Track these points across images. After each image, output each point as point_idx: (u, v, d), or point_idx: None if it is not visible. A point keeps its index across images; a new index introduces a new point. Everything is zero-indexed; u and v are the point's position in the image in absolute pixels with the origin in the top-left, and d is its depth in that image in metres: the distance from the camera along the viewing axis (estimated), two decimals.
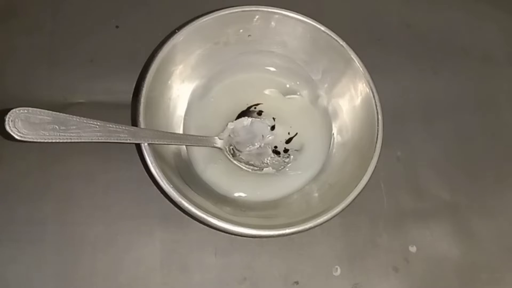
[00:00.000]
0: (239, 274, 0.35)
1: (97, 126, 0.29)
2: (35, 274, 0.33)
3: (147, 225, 0.35)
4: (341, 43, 0.36)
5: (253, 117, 0.38)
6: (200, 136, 0.37)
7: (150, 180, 0.35)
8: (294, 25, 0.37)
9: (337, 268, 0.35)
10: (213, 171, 0.36)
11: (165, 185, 0.30)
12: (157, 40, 0.38)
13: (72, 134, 0.28)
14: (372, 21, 0.45)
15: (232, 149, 0.37)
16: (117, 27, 0.40)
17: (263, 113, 0.39)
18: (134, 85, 0.38)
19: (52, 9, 0.40)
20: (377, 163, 0.33)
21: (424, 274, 0.36)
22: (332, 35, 0.36)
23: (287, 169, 0.37)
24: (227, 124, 0.38)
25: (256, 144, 0.38)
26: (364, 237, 0.37)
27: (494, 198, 0.39)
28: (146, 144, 0.31)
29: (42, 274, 0.33)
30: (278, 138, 0.38)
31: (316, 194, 0.36)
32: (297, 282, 0.35)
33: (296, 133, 0.39)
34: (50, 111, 0.27)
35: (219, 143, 0.37)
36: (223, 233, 0.33)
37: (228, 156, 0.37)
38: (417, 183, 0.39)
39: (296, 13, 0.37)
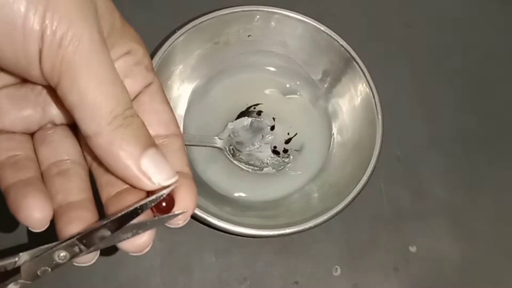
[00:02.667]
0: (239, 274, 0.35)
1: None
2: None
3: None
4: (341, 43, 0.36)
5: (253, 117, 0.38)
6: (200, 136, 0.37)
7: None
8: (294, 25, 0.37)
9: (337, 268, 0.35)
10: (213, 171, 0.36)
11: None
12: (157, 40, 0.38)
13: None
14: (372, 21, 0.45)
15: (232, 149, 0.37)
16: None
17: (262, 113, 0.39)
18: None
19: None
20: (377, 163, 0.33)
21: (424, 274, 0.36)
22: (332, 35, 0.36)
23: (287, 169, 0.37)
24: (227, 124, 0.38)
25: (256, 144, 0.38)
26: (364, 237, 0.37)
27: (494, 198, 0.39)
28: None
29: None
30: (278, 138, 0.38)
31: (316, 194, 0.36)
32: (297, 282, 0.35)
33: (296, 133, 0.39)
34: None
35: (219, 143, 0.37)
36: (223, 233, 0.33)
37: (228, 156, 0.37)
38: (417, 183, 0.39)
39: (296, 13, 0.37)
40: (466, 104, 0.43)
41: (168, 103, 0.22)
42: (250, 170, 0.37)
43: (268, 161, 0.38)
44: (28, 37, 0.17)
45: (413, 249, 0.37)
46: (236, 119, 0.38)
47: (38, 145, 0.21)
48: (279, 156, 0.38)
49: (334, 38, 0.36)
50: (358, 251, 0.36)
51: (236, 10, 0.36)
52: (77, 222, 0.19)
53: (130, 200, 0.19)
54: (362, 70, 0.36)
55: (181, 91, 0.37)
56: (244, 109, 0.39)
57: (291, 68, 0.40)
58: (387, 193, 0.38)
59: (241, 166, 0.37)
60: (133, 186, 0.19)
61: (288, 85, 0.40)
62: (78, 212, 0.19)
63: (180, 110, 0.38)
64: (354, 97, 0.37)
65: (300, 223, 0.31)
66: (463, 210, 0.38)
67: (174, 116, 0.22)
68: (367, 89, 0.35)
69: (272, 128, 0.39)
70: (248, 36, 0.38)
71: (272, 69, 0.40)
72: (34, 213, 0.18)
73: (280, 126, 0.39)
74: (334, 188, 0.35)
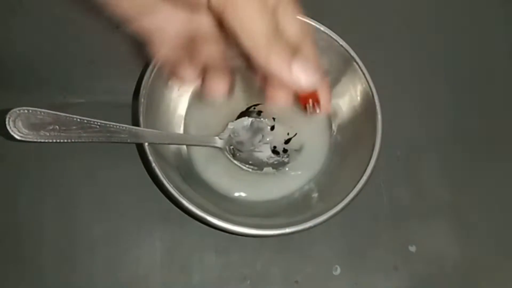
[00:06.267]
0: (239, 273, 0.35)
1: (98, 126, 0.29)
2: (35, 274, 0.33)
3: (147, 224, 0.35)
4: (341, 43, 0.36)
5: (253, 117, 0.39)
6: (201, 136, 0.37)
7: (151, 180, 0.35)
8: None
9: (337, 268, 0.35)
10: (214, 171, 0.36)
11: (166, 184, 0.31)
12: None
13: (72, 134, 0.28)
14: (372, 21, 0.45)
15: (233, 149, 0.37)
16: (117, 27, 0.40)
17: (262, 113, 0.39)
18: (134, 85, 0.38)
19: (52, 9, 0.40)
20: (377, 163, 0.33)
21: (424, 273, 0.36)
22: (332, 35, 0.36)
23: (287, 169, 0.37)
24: (227, 124, 0.38)
25: (256, 144, 0.38)
26: (364, 237, 0.37)
27: (494, 198, 0.39)
28: (147, 144, 0.31)
29: (43, 274, 0.33)
30: (278, 138, 0.38)
31: (316, 194, 0.36)
32: (297, 282, 0.35)
33: (296, 133, 0.39)
34: (50, 111, 0.28)
35: (219, 143, 0.37)
36: (223, 232, 0.33)
37: (228, 156, 0.37)
38: (417, 182, 0.39)
39: None
40: (466, 104, 0.43)
41: (297, 12, 0.26)
42: (250, 170, 0.37)
43: (268, 161, 0.38)
44: None
45: (413, 248, 0.37)
46: (236, 119, 0.38)
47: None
48: (279, 156, 0.38)
49: (334, 38, 0.36)
50: (358, 251, 0.36)
51: None
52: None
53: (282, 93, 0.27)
54: (362, 70, 0.36)
55: (182, 91, 0.37)
56: (244, 109, 0.39)
57: None
58: (387, 193, 0.38)
59: (241, 166, 0.37)
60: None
61: None
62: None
63: (181, 110, 0.38)
64: (354, 97, 0.37)
65: (300, 223, 0.31)
66: (463, 210, 0.38)
67: (303, 22, 0.27)
68: (367, 89, 0.35)
69: (272, 128, 0.39)
70: None
71: None
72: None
73: (280, 126, 0.39)
74: (334, 188, 0.35)
